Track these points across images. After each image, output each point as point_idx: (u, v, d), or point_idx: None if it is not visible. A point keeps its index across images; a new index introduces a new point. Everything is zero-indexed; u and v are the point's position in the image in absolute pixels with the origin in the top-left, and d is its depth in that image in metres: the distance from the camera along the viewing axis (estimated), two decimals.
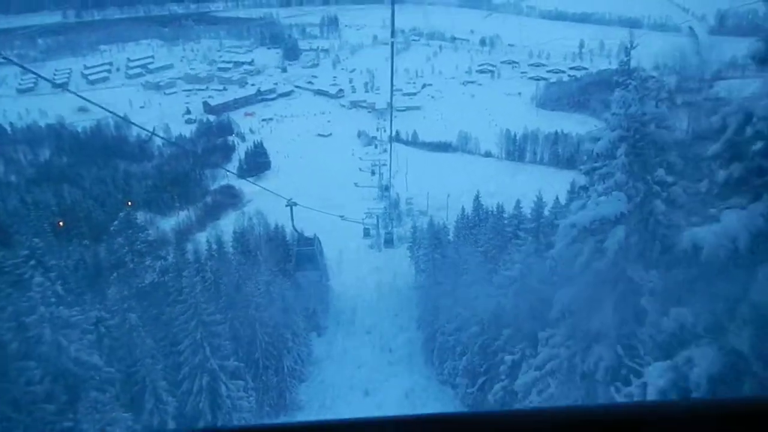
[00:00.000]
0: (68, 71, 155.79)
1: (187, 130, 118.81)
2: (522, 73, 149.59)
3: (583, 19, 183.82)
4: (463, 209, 46.58)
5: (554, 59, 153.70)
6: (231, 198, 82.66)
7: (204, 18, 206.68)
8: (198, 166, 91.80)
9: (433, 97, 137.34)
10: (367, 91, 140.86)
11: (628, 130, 10.68)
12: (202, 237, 51.84)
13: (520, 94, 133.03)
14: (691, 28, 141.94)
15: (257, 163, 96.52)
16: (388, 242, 48.61)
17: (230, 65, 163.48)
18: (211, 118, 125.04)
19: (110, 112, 12.99)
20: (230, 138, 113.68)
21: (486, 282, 24.15)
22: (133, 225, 27.08)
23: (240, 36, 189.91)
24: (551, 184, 44.07)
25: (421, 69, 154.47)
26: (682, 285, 7.80)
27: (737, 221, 6.11)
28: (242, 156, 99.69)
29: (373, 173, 72.57)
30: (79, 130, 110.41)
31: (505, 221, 32.70)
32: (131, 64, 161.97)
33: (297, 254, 28.60)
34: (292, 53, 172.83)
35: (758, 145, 6.38)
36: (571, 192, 32.33)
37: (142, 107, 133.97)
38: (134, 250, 26.30)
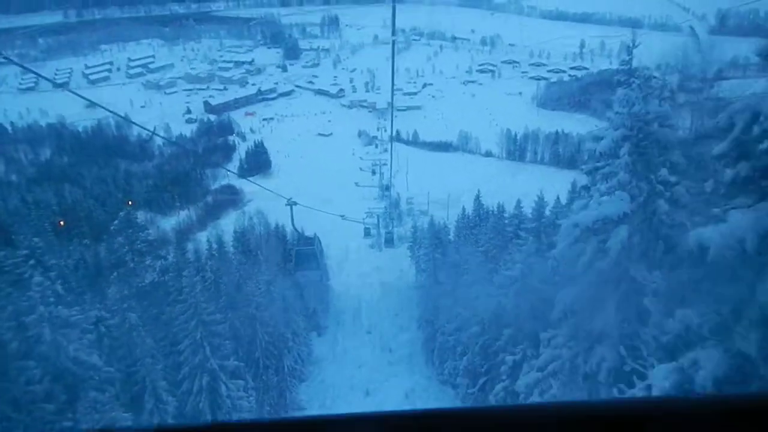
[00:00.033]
0: (69, 71, 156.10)
1: (188, 130, 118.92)
2: (523, 72, 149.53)
3: (583, 19, 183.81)
4: (463, 209, 46.44)
5: (555, 59, 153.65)
6: (231, 197, 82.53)
7: (205, 17, 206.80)
8: (198, 165, 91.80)
9: (433, 96, 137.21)
10: (367, 91, 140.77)
11: (632, 129, 10.59)
12: (202, 236, 51.80)
13: (520, 93, 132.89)
14: (691, 27, 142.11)
15: (258, 162, 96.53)
16: (389, 242, 48.65)
17: (231, 65, 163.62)
18: (212, 117, 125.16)
19: (111, 111, 12.97)
20: (231, 137, 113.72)
21: (487, 282, 24.06)
22: (133, 224, 27.05)
23: (241, 35, 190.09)
24: (552, 184, 44.03)
25: (422, 68, 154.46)
26: (687, 285, 7.73)
27: (744, 221, 6.04)
28: (243, 155, 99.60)
29: (373, 173, 72.46)
30: (80, 129, 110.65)
31: (506, 221, 32.68)
32: (132, 64, 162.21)
33: (297, 254, 28.60)
34: (292, 53, 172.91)
35: (765, 143, 6.32)
36: (572, 192, 32.26)
37: (142, 107, 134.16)
38: (134, 249, 26.28)
